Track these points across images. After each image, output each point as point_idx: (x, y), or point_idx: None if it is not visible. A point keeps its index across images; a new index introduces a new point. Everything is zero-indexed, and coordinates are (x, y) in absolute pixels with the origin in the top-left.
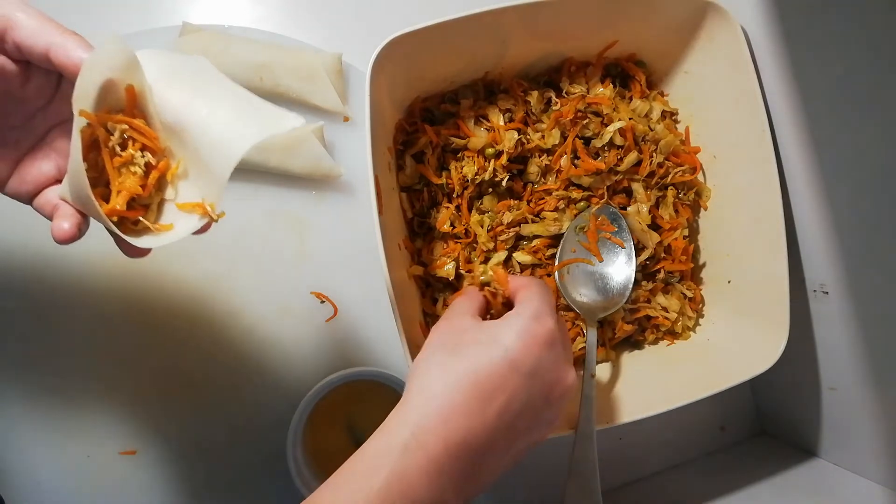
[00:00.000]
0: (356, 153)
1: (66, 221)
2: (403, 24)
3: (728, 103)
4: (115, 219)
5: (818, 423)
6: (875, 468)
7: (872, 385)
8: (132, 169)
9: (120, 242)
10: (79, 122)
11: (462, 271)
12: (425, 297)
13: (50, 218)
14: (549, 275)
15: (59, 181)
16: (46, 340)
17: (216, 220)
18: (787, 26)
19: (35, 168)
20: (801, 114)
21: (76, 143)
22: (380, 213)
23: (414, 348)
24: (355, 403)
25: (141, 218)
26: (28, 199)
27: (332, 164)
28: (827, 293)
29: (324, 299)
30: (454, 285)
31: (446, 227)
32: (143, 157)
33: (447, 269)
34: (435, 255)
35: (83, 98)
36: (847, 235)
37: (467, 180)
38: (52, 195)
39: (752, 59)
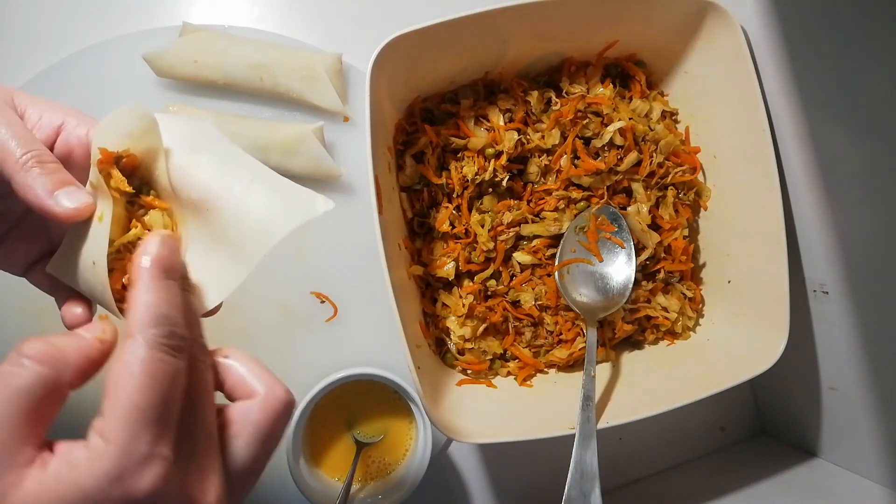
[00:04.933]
0: (356, 153)
1: (77, 307)
2: (403, 24)
3: (728, 103)
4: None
5: (818, 422)
6: (875, 468)
7: (872, 385)
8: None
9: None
10: (107, 206)
11: (462, 271)
12: (425, 297)
13: (47, 291)
14: (549, 275)
15: (50, 254)
16: None
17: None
18: (787, 26)
19: (24, 244)
20: (801, 114)
21: (103, 238)
22: (380, 213)
23: (414, 348)
24: (355, 403)
25: None
26: (20, 273)
27: (332, 164)
28: (827, 293)
29: (324, 299)
30: (454, 285)
31: (446, 227)
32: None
33: (447, 269)
34: (435, 255)
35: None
36: (847, 235)
37: (467, 180)
38: (44, 270)
39: (752, 59)
